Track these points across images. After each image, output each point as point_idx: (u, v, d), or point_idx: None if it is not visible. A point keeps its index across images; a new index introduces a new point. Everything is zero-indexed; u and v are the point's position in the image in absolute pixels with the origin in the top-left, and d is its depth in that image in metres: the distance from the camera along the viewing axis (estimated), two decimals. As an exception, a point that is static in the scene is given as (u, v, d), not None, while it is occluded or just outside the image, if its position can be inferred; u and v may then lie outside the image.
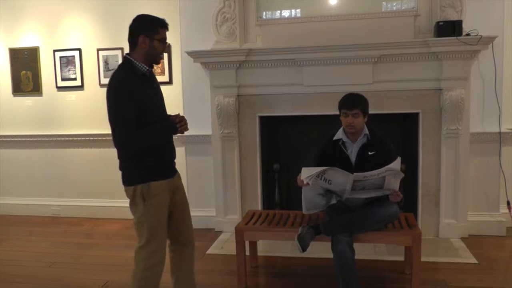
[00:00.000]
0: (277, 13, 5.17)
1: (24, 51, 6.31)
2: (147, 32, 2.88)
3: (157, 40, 2.91)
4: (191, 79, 5.45)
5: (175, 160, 3.20)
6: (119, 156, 2.98)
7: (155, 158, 2.95)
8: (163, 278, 3.26)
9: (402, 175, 3.37)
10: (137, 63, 2.91)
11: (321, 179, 3.40)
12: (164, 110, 3.16)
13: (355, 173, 3.33)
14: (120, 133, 2.81)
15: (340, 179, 3.38)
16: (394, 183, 3.37)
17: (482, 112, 4.97)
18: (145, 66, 2.93)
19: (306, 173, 3.40)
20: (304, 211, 3.67)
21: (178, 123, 2.97)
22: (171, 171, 3.11)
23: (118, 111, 2.81)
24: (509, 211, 5.07)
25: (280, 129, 5.59)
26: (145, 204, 2.92)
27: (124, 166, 2.98)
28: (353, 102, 3.62)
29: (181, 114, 5.39)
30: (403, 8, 4.94)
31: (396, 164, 3.32)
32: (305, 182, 3.39)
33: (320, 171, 3.37)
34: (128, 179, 2.97)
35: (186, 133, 5.44)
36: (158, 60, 3.01)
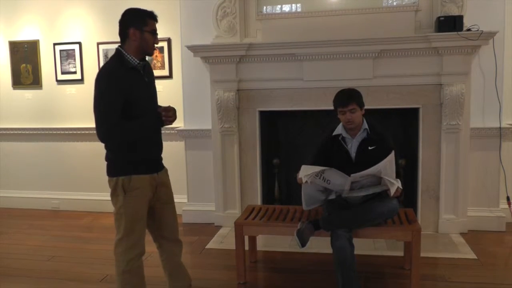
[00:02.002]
0: (278, 8, 5.14)
1: (24, 44, 6.29)
2: (137, 25, 2.92)
3: (147, 32, 2.94)
4: (191, 73, 5.44)
5: (162, 156, 3.22)
6: (106, 147, 3.00)
7: (140, 152, 2.97)
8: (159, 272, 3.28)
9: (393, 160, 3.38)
10: (128, 56, 2.94)
11: (320, 178, 3.41)
12: (155, 105, 3.15)
13: (352, 175, 3.33)
14: (103, 124, 2.83)
15: (339, 180, 3.39)
16: (390, 173, 3.37)
17: (482, 107, 4.96)
18: (136, 60, 2.95)
19: (305, 172, 3.42)
20: (304, 207, 3.68)
21: (163, 115, 2.97)
22: (155, 166, 3.12)
23: (103, 102, 2.84)
24: (509, 206, 5.06)
25: (280, 123, 5.59)
26: (125, 196, 2.94)
27: (109, 157, 3.01)
28: (347, 98, 3.60)
29: (181, 108, 5.44)
30: (403, 3, 4.91)
31: (389, 158, 3.32)
32: (303, 180, 3.41)
33: (318, 171, 3.38)
34: (111, 171, 3.00)
35: (186, 127, 5.49)
36: (151, 51, 3.04)
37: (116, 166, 2.97)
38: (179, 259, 3.34)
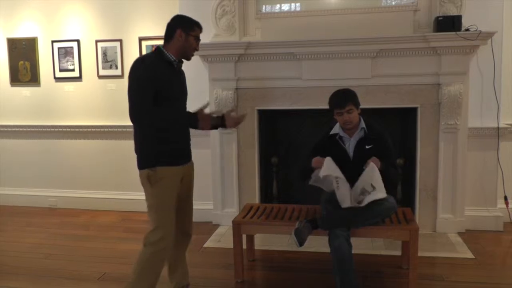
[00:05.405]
0: (277, 7, 5.15)
1: (23, 41, 6.28)
2: (184, 28, 3.11)
3: (192, 36, 3.14)
4: (189, 71, 5.39)
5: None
6: (135, 140, 3.14)
7: (166, 144, 3.08)
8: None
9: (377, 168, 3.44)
10: (167, 53, 3.12)
11: (335, 181, 3.47)
12: (183, 102, 3.36)
13: (351, 205, 3.45)
14: (134, 106, 2.99)
15: (344, 194, 3.47)
16: (376, 179, 3.43)
17: (480, 107, 4.97)
18: (173, 56, 3.13)
19: (328, 169, 3.47)
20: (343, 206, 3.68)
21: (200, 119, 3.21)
22: (181, 159, 3.24)
23: (136, 85, 2.99)
24: (507, 206, 5.08)
25: (279, 122, 5.58)
26: (152, 187, 3.08)
27: (137, 150, 3.13)
28: (344, 99, 3.61)
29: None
30: (402, 2, 4.92)
31: (368, 171, 3.41)
32: (319, 173, 3.45)
33: (338, 176, 3.44)
34: (140, 163, 3.12)
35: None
36: (189, 55, 3.23)
37: (143, 159, 3.10)
38: (184, 252, 3.48)
